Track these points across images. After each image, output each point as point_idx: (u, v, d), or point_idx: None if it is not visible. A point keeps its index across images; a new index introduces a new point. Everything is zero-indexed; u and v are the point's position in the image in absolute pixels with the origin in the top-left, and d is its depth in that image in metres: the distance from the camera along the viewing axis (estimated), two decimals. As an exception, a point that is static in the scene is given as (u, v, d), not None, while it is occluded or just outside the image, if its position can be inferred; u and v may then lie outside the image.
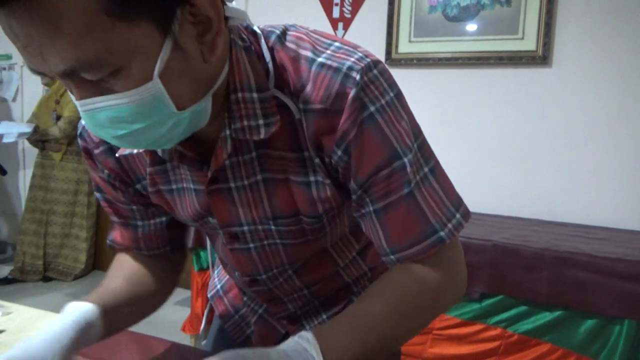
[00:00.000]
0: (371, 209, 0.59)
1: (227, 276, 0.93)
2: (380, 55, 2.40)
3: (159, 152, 0.62)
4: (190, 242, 2.15)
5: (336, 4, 2.56)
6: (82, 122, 0.68)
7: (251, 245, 0.69)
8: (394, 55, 2.40)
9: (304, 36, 0.58)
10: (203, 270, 2.21)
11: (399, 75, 2.55)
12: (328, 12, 2.58)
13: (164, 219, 0.75)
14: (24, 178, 3.74)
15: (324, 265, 0.77)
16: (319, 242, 0.72)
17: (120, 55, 0.44)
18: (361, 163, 0.57)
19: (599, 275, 1.51)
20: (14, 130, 3.08)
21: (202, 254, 2.19)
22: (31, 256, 3.25)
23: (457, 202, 0.62)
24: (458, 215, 0.60)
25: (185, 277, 3.37)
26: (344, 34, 2.54)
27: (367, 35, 2.45)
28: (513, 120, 2.23)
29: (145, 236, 0.75)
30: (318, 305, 0.83)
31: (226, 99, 0.56)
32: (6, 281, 3.20)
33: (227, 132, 0.57)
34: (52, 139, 3.02)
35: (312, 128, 0.57)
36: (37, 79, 3.19)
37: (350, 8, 2.53)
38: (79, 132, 0.70)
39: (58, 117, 3.10)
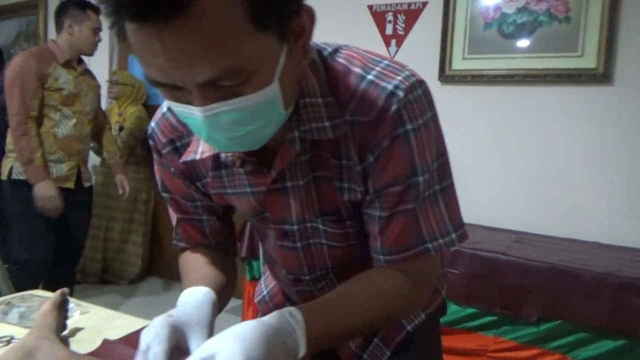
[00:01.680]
0: (378, 214, 0.66)
1: (273, 283, 0.97)
2: (434, 72, 2.40)
3: (222, 158, 0.67)
4: (243, 252, 2.21)
5: (389, 21, 2.59)
6: (152, 123, 0.75)
7: (298, 244, 0.75)
8: (447, 72, 2.40)
9: (354, 54, 0.64)
10: (255, 279, 2.26)
11: (452, 92, 2.56)
12: (381, 28, 2.61)
13: (221, 213, 0.81)
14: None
15: (363, 269, 0.79)
16: (362, 248, 0.75)
17: (256, 61, 0.49)
18: (383, 172, 0.63)
19: (666, 304, 1.44)
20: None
21: (254, 264, 2.25)
22: (91, 259, 3.42)
23: (458, 224, 0.67)
24: (453, 235, 0.67)
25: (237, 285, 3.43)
26: (396, 51, 2.55)
27: (420, 51, 2.46)
28: (570, 139, 2.17)
29: (211, 229, 0.81)
30: None
31: (295, 105, 0.62)
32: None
33: (296, 133, 0.62)
34: (115, 149, 3.18)
35: (358, 138, 0.62)
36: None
37: (403, 25, 2.55)
38: (149, 133, 0.76)
39: (120, 129, 3.27)
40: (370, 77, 0.61)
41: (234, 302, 3.07)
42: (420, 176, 0.62)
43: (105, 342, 0.85)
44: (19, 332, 0.94)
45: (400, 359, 0.67)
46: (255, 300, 1.02)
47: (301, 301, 0.85)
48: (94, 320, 1.02)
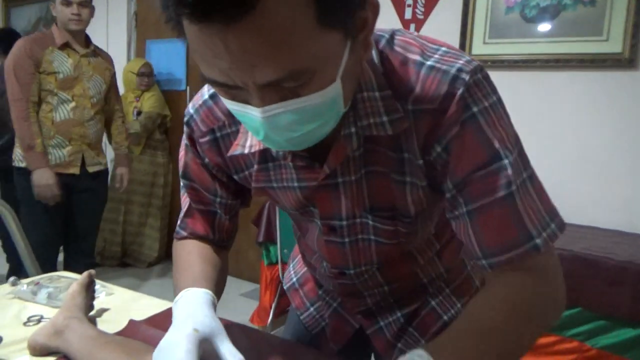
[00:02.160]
0: (464, 210, 0.59)
1: (303, 270, 0.97)
2: (453, 57, 2.36)
3: (273, 152, 0.66)
4: (260, 237, 2.23)
5: (408, 5, 2.55)
6: (190, 110, 0.73)
7: (346, 239, 0.72)
8: (467, 57, 2.36)
9: (411, 41, 0.60)
10: (272, 264, 2.28)
11: (471, 77, 2.50)
12: (400, 13, 2.57)
13: (234, 213, 0.80)
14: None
15: (406, 263, 0.79)
16: (409, 244, 0.74)
17: (320, 61, 0.47)
18: (459, 162, 0.58)
19: (690, 293, 1.42)
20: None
21: (271, 249, 2.27)
22: (110, 242, 3.49)
23: (553, 212, 0.61)
24: (553, 225, 0.60)
25: (251, 270, 3.47)
26: (415, 35, 2.52)
27: (439, 36, 2.37)
28: (593, 125, 2.13)
29: (220, 226, 0.80)
30: (393, 303, 0.85)
31: (352, 100, 0.59)
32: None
33: (353, 129, 0.60)
34: (133, 133, 3.21)
35: (421, 128, 0.59)
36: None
37: (422, 9, 2.51)
38: (185, 119, 0.74)
39: (138, 113, 3.30)
40: (430, 62, 0.57)
41: (251, 286, 3.12)
42: (505, 159, 0.57)
43: (132, 323, 0.88)
44: (48, 312, 0.97)
45: None
46: (285, 287, 1.01)
47: (343, 292, 0.84)
48: (119, 302, 1.05)
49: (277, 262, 2.19)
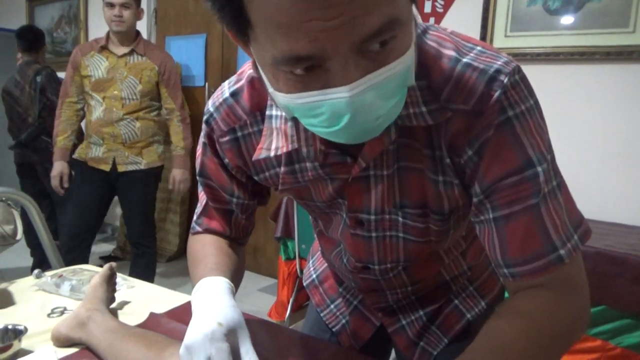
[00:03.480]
0: (491, 216, 0.58)
1: (323, 266, 0.96)
2: (474, 51, 2.33)
3: (304, 153, 0.63)
4: (278, 232, 2.23)
5: (428, -2, 2.52)
6: (210, 108, 0.70)
7: (373, 234, 0.70)
8: (488, 51, 2.32)
9: (445, 36, 0.58)
10: (290, 259, 2.28)
11: (492, 71, 2.46)
12: (420, 6, 2.54)
13: (250, 212, 0.79)
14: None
15: (433, 264, 0.78)
16: (439, 245, 0.72)
17: (405, 13, 0.45)
18: (490, 167, 0.56)
19: None
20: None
21: (289, 244, 2.27)
22: (131, 237, 3.54)
23: (578, 221, 0.59)
24: (576, 237, 0.58)
25: (269, 265, 3.48)
26: (435, 29, 2.49)
27: (459, 29, 2.33)
28: (619, 120, 2.07)
29: (237, 224, 0.79)
30: (415, 301, 0.84)
31: None
32: (110, 259, 3.51)
33: None
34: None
35: (452, 127, 0.57)
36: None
37: (442, 2, 2.47)
38: (205, 118, 0.71)
39: (158, 110, 3.34)
40: (466, 60, 0.55)
41: (269, 281, 3.13)
42: (538, 166, 0.55)
43: (152, 316, 0.89)
44: (71, 304, 0.98)
45: (459, 347, 0.58)
46: (305, 284, 1.00)
47: (364, 288, 0.83)
48: (140, 295, 1.06)
49: (294, 258, 2.19)
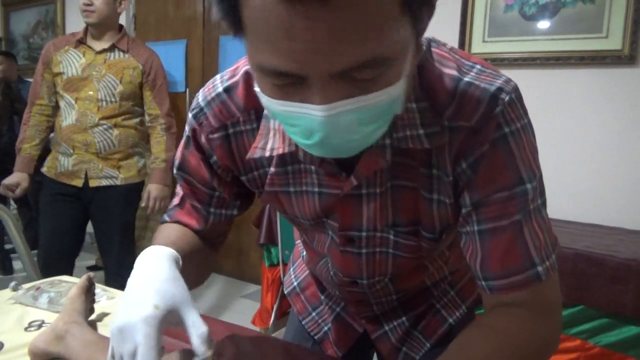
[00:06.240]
0: (476, 228, 0.59)
1: (305, 273, 0.95)
2: (453, 56, 2.36)
3: (300, 157, 0.61)
4: (262, 238, 2.22)
5: (407, 5, 2.54)
6: (201, 102, 0.67)
7: (364, 250, 0.70)
8: (467, 56, 2.36)
9: (446, 54, 0.59)
10: (273, 266, 2.27)
11: (471, 75, 2.50)
12: (399, 12, 2.57)
13: (235, 212, 0.75)
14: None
15: (418, 273, 0.78)
16: (427, 259, 0.73)
17: (398, 51, 0.43)
18: (483, 180, 0.57)
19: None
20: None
21: (273, 250, 2.26)
22: (112, 245, 3.46)
23: (554, 240, 0.61)
24: (554, 256, 0.60)
25: (253, 271, 3.46)
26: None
27: (438, 34, 2.37)
28: (595, 122, 2.12)
29: (213, 224, 0.74)
30: (397, 306, 0.84)
31: None
32: (91, 268, 3.45)
33: (388, 141, 0.57)
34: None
35: (455, 145, 0.57)
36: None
37: (421, 8, 2.51)
38: (194, 112, 0.67)
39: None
40: (467, 79, 0.56)
41: (252, 288, 3.11)
42: (528, 183, 0.56)
43: (133, 327, 0.87)
44: (49, 317, 0.96)
45: (441, 351, 0.58)
46: (286, 292, 1.00)
47: (350, 299, 0.83)
48: (120, 305, 1.04)
49: (278, 264, 2.19)
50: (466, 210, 0.59)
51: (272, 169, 0.66)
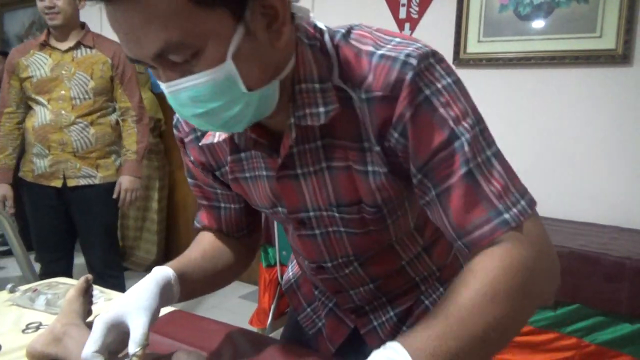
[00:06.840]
0: (433, 193, 0.59)
1: (300, 272, 0.97)
2: (448, 56, 2.37)
3: (235, 140, 0.68)
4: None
5: (403, 5, 2.55)
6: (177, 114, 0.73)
7: (317, 231, 0.74)
8: (462, 56, 2.37)
9: (367, 34, 0.62)
10: (271, 266, 2.28)
11: (467, 76, 2.48)
12: (394, 12, 2.57)
13: (243, 205, 0.82)
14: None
15: (389, 259, 0.80)
16: (383, 235, 0.74)
17: (199, 38, 0.51)
18: (419, 145, 0.59)
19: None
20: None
21: (270, 250, 2.26)
22: (108, 247, 3.46)
23: (522, 189, 0.60)
24: (523, 202, 0.58)
25: (250, 272, 3.46)
26: (410, 35, 2.52)
27: (434, 35, 2.43)
28: (589, 121, 2.14)
29: (227, 218, 0.83)
30: (385, 302, 0.85)
31: (292, 90, 0.62)
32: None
33: (292, 120, 0.62)
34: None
35: (375, 115, 0.60)
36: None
37: (417, 8, 2.51)
38: (174, 122, 0.78)
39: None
40: (381, 52, 0.59)
41: (250, 288, 3.11)
42: (462, 137, 0.57)
43: (131, 328, 0.87)
44: (47, 318, 0.96)
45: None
46: (284, 289, 1.02)
47: (329, 289, 0.85)
48: (118, 307, 1.04)
49: (275, 264, 2.19)
50: (417, 179, 0.61)
51: (229, 157, 0.73)
